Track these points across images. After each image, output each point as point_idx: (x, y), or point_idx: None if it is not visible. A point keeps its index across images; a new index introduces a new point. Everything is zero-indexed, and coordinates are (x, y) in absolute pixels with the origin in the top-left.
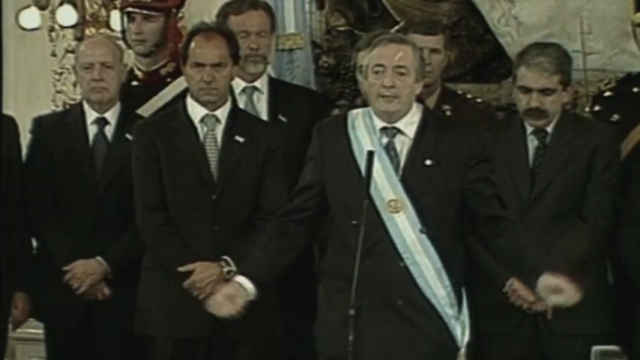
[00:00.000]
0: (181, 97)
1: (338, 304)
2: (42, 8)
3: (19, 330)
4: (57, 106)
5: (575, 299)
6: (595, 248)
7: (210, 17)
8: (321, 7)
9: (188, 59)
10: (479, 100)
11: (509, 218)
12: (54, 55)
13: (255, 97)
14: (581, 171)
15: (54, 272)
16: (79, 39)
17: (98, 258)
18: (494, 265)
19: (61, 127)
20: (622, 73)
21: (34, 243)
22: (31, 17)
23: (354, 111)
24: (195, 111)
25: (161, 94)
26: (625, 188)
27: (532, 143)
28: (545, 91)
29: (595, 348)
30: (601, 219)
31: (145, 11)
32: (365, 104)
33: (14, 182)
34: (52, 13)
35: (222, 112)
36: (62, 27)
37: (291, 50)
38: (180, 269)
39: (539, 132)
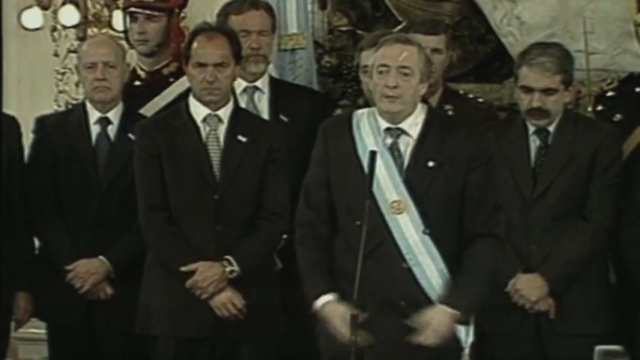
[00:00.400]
0: (184, 96)
1: None
2: (44, 8)
3: (21, 330)
4: (59, 106)
5: (429, 342)
6: (597, 248)
7: (212, 17)
8: (323, 7)
9: (190, 59)
10: (480, 100)
11: (484, 238)
12: (56, 55)
13: (256, 96)
14: (583, 171)
15: (56, 271)
16: (82, 39)
17: (101, 257)
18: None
19: (64, 126)
20: (624, 73)
21: (37, 243)
22: (34, 17)
23: (359, 111)
24: (198, 111)
25: (163, 93)
26: (627, 188)
27: (534, 143)
28: (547, 91)
29: (597, 348)
30: (603, 218)
31: (147, 11)
32: (367, 104)
33: (15, 182)
34: (55, 13)
35: (225, 112)
36: (64, 27)
37: (293, 50)
38: (183, 269)
39: (541, 132)
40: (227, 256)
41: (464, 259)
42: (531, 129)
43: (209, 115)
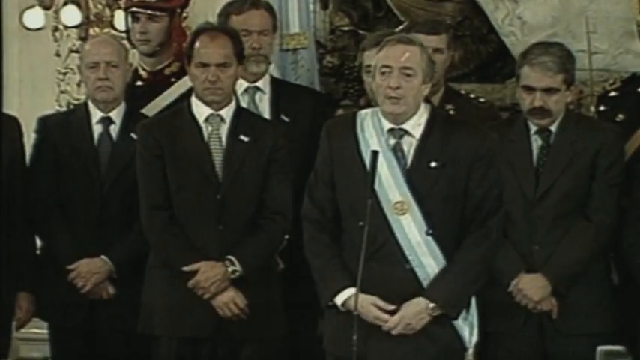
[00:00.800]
0: (186, 96)
1: None
2: (46, 8)
3: (23, 330)
4: (61, 106)
5: (397, 330)
6: (599, 248)
7: (214, 17)
8: (325, 6)
9: (193, 59)
10: (482, 100)
11: (476, 234)
12: (58, 55)
13: (257, 97)
14: (585, 170)
15: (58, 271)
16: (83, 39)
17: (103, 257)
18: (498, 264)
19: (66, 126)
20: (627, 72)
21: (39, 242)
22: (36, 17)
23: (363, 111)
24: (200, 110)
25: (165, 93)
26: (629, 188)
27: (536, 143)
28: (548, 91)
29: (600, 348)
30: (605, 218)
31: (149, 11)
32: (369, 104)
33: (16, 182)
34: (57, 13)
35: (227, 112)
36: (66, 27)
37: (295, 50)
38: (185, 268)
39: (543, 131)
40: (229, 256)
41: (453, 254)
42: (533, 129)
43: (211, 114)
